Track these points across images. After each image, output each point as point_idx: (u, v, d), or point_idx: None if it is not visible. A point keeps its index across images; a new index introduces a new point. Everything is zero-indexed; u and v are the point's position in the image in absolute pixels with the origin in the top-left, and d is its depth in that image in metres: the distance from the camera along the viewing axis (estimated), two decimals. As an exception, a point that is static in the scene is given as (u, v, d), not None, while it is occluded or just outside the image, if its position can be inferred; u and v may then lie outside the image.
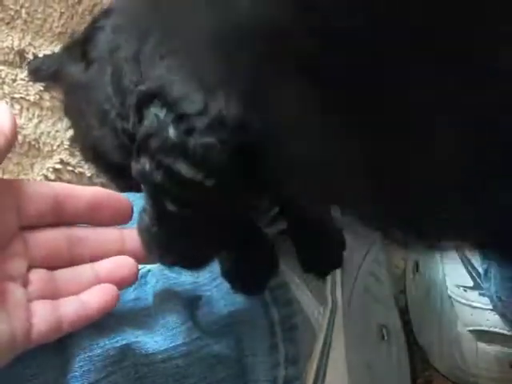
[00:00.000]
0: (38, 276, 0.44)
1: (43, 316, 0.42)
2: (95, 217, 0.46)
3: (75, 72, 0.65)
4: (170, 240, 0.44)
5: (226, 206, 0.43)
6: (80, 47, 0.65)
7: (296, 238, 0.62)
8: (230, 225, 0.46)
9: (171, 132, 0.41)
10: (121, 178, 0.66)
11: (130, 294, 0.50)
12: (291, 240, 0.62)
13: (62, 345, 0.45)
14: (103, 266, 0.46)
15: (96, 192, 0.46)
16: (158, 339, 0.48)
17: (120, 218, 0.47)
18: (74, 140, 0.71)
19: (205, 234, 0.44)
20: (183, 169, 0.40)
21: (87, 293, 0.45)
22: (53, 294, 0.44)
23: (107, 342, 0.46)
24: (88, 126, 0.65)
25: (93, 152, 0.67)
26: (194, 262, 0.46)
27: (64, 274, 0.45)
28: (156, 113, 0.42)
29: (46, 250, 0.45)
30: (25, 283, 0.43)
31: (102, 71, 0.62)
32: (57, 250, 0.45)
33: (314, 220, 0.62)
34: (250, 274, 0.50)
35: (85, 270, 0.46)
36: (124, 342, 0.46)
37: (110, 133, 0.62)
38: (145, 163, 0.42)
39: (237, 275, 0.48)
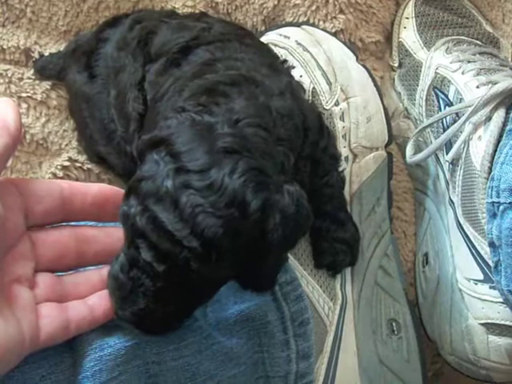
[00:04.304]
0: (45, 279, 0.44)
1: (51, 318, 0.43)
2: (101, 213, 0.46)
3: (79, 81, 0.65)
4: (132, 295, 0.43)
5: (204, 272, 0.42)
6: (85, 57, 0.65)
7: (314, 232, 0.62)
8: (205, 295, 0.46)
9: (168, 182, 0.40)
10: (126, 175, 0.67)
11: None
12: (309, 234, 0.63)
13: (72, 345, 0.45)
14: None
15: (102, 188, 0.46)
16: (169, 337, 0.48)
17: None
18: (79, 140, 0.71)
19: (172, 303, 0.44)
20: (168, 220, 0.40)
21: (94, 297, 0.45)
22: (60, 298, 0.44)
23: (117, 342, 0.46)
24: (92, 138, 0.65)
25: (97, 157, 0.68)
26: (151, 329, 0.45)
27: (71, 278, 0.46)
28: (157, 159, 0.42)
29: (53, 249, 0.45)
30: (32, 285, 0.43)
31: (105, 89, 0.62)
32: (64, 250, 0.45)
33: (331, 214, 0.62)
34: (258, 271, 0.49)
35: (91, 275, 0.46)
36: (134, 341, 0.46)
37: (115, 152, 0.63)
38: (132, 206, 0.42)
39: (245, 272, 0.47)
